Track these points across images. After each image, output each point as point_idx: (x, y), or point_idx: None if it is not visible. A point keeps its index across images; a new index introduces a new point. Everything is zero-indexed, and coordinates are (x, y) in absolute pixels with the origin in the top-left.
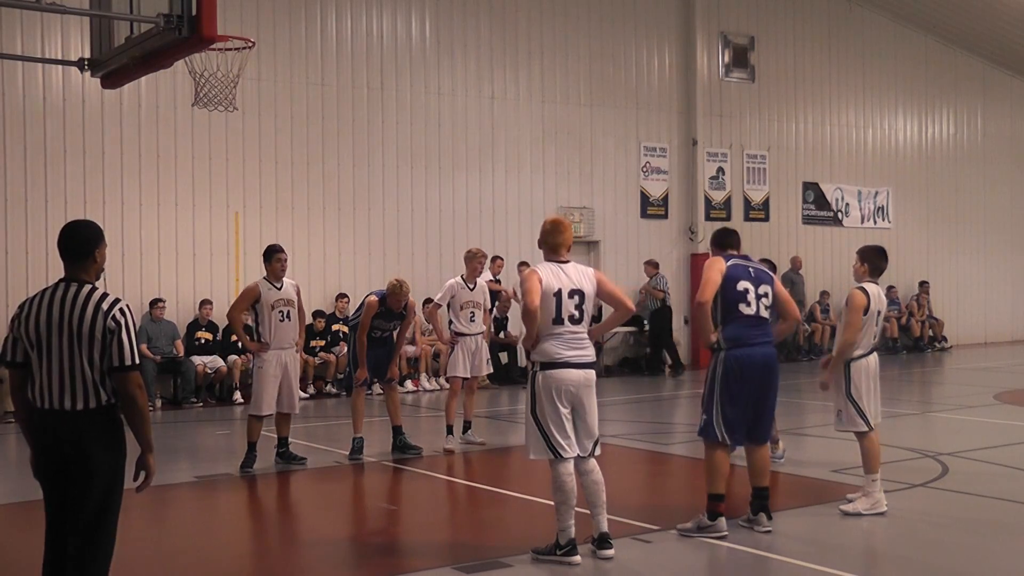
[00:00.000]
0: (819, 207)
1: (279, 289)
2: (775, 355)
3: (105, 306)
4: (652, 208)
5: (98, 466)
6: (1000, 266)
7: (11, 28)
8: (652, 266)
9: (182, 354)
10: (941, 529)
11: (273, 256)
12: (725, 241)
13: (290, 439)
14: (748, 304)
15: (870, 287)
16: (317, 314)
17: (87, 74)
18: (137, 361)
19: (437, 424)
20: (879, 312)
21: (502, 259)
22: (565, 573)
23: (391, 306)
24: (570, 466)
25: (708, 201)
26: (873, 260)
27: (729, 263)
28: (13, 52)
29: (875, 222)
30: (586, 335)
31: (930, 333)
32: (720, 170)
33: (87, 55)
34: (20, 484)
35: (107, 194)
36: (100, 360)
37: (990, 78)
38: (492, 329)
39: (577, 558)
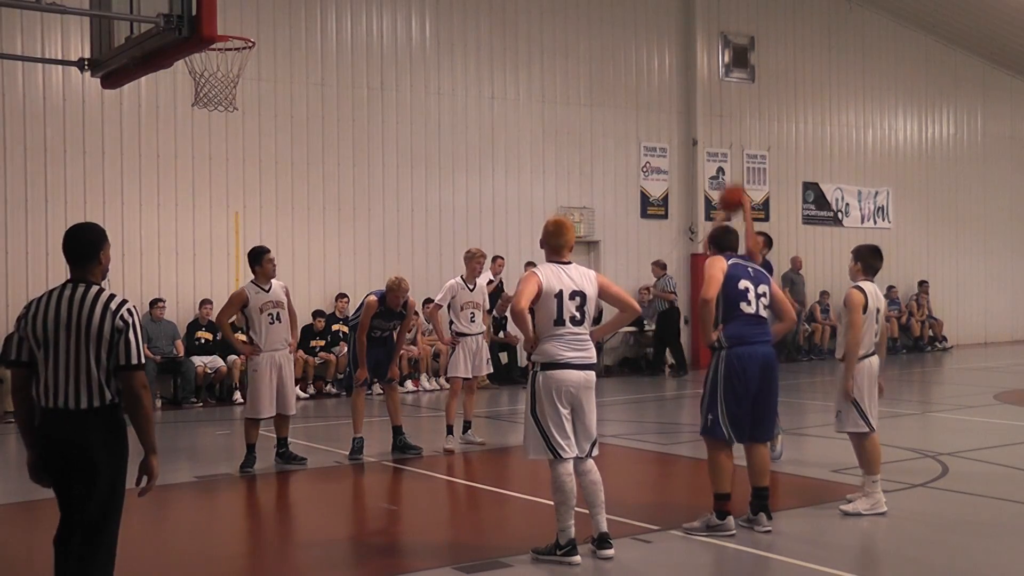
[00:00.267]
0: (819, 207)
1: (267, 292)
2: (775, 354)
3: (113, 306)
4: (652, 208)
5: (101, 465)
6: (1000, 266)
7: (11, 28)
8: (660, 267)
9: (182, 354)
10: (941, 529)
11: (263, 257)
12: (724, 242)
13: (290, 439)
14: (749, 303)
15: (866, 285)
16: (317, 314)
17: (87, 74)
18: (144, 361)
19: (437, 424)
20: (878, 310)
21: (502, 259)
22: (565, 573)
23: (390, 304)
24: (569, 466)
25: (708, 201)
26: (867, 259)
27: (730, 262)
28: (13, 52)
29: (875, 222)
30: (587, 336)
31: (930, 333)
32: (720, 170)
33: (87, 55)
34: (20, 484)
35: (107, 194)
36: (107, 359)
37: (990, 78)
38: (491, 329)
39: (577, 558)
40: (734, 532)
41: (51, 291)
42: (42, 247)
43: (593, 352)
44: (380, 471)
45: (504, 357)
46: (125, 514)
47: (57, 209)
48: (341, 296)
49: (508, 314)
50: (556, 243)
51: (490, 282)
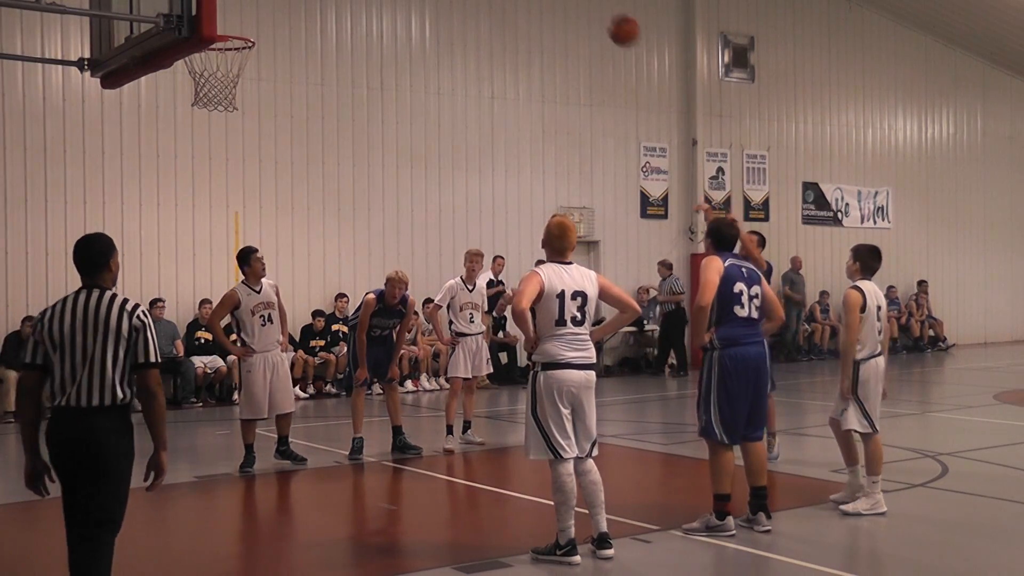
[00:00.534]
0: (819, 207)
1: (258, 293)
2: (765, 354)
3: (129, 307)
4: (652, 208)
5: (110, 462)
6: (1000, 266)
7: (11, 28)
8: (666, 267)
9: (182, 354)
10: (941, 529)
11: (251, 257)
12: (726, 238)
13: (290, 439)
14: (742, 306)
15: (865, 285)
16: (317, 314)
17: (87, 74)
18: (159, 359)
19: (437, 424)
20: (879, 307)
21: (503, 258)
22: (565, 573)
23: (388, 299)
24: (570, 466)
25: (708, 201)
26: (866, 259)
27: (727, 264)
28: (13, 52)
29: (875, 222)
30: (588, 336)
31: (930, 333)
32: (720, 170)
33: (87, 55)
34: (20, 484)
35: (107, 194)
36: (124, 357)
37: (990, 78)
38: (491, 329)
39: (577, 558)
40: (734, 532)
41: (65, 298)
42: (42, 247)
43: (593, 352)
44: (380, 471)
45: (504, 357)
46: (126, 514)
47: (57, 209)
48: (341, 296)
49: (507, 314)
50: (560, 245)
51: (491, 283)
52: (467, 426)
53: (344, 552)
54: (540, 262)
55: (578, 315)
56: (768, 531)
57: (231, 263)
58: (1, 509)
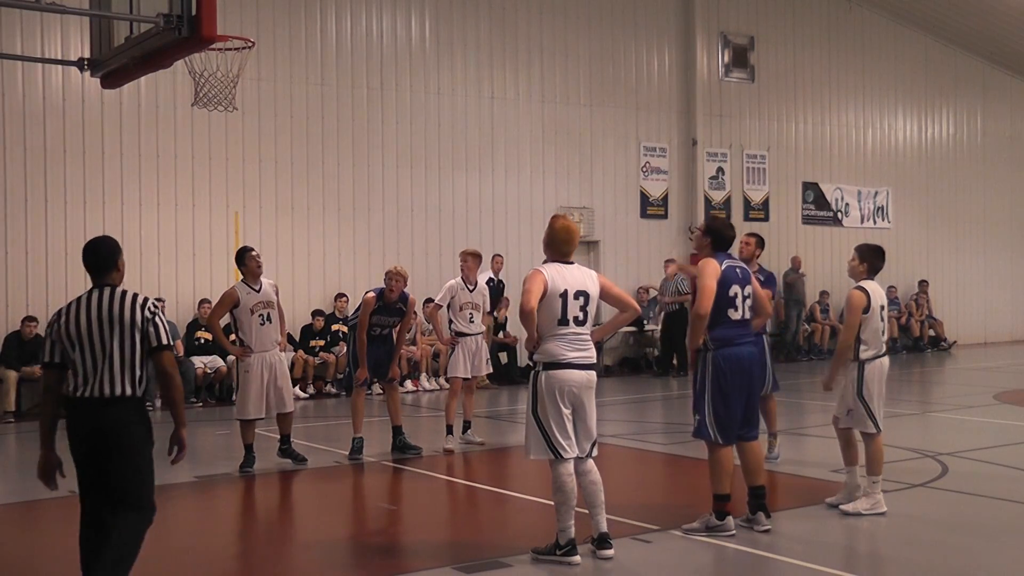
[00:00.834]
0: (819, 207)
1: (258, 291)
2: (758, 354)
3: (140, 301)
4: (652, 208)
5: (132, 446)
6: (1000, 266)
7: (11, 28)
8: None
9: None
10: (941, 529)
11: (246, 255)
12: (726, 238)
13: (291, 437)
14: (736, 309)
15: (869, 285)
16: (316, 314)
17: (87, 74)
18: (172, 343)
19: (437, 424)
20: (882, 307)
21: (501, 257)
22: (565, 573)
23: (388, 296)
24: (570, 466)
25: (708, 201)
26: (872, 259)
27: (723, 267)
28: (13, 52)
29: (875, 222)
30: (588, 336)
31: (930, 333)
32: (720, 170)
33: (87, 55)
34: (20, 484)
35: (107, 194)
36: (140, 344)
37: (990, 78)
38: (491, 330)
39: (577, 558)
40: (734, 532)
41: (79, 298)
42: (42, 247)
43: (594, 352)
44: (380, 471)
45: (504, 357)
46: None
47: (57, 209)
48: (340, 296)
49: (511, 312)
50: (566, 248)
51: (490, 282)
52: (467, 426)
53: (344, 552)
54: (547, 261)
55: (580, 315)
56: (768, 530)
57: (231, 263)
58: (1, 509)
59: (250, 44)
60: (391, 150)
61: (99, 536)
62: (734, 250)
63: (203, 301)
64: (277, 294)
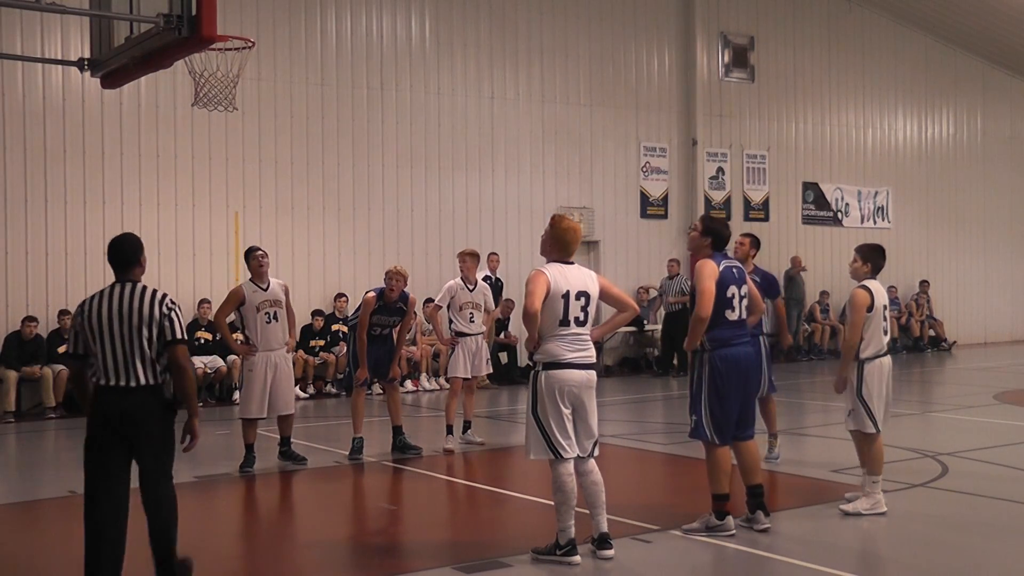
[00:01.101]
0: (819, 207)
1: (265, 290)
2: (755, 354)
3: (159, 296)
4: (652, 208)
5: (154, 431)
6: (1000, 266)
7: (11, 28)
8: (678, 264)
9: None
10: (941, 529)
11: (250, 255)
12: (723, 240)
13: (291, 438)
14: (733, 310)
15: (872, 284)
16: (316, 313)
17: (87, 74)
18: (186, 337)
19: (437, 424)
20: (885, 307)
21: (497, 255)
22: (565, 573)
23: (388, 295)
24: (570, 466)
25: (708, 201)
26: (874, 259)
27: (721, 268)
28: (13, 52)
29: (875, 222)
30: (588, 336)
31: (931, 333)
32: (720, 170)
33: (87, 55)
34: (20, 484)
35: (107, 194)
36: (157, 338)
37: (990, 78)
38: (493, 330)
39: (577, 558)
40: (734, 532)
41: (101, 291)
42: (42, 247)
43: (593, 352)
44: (380, 471)
45: (504, 357)
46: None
47: (57, 209)
48: (340, 296)
49: (513, 312)
50: (570, 249)
51: (487, 279)
52: (467, 426)
53: (344, 552)
54: (548, 262)
55: (581, 315)
56: (767, 529)
57: (231, 263)
58: (1, 509)
59: (250, 44)
60: (391, 150)
61: (117, 520)
62: (728, 251)
63: (203, 301)
64: (287, 295)
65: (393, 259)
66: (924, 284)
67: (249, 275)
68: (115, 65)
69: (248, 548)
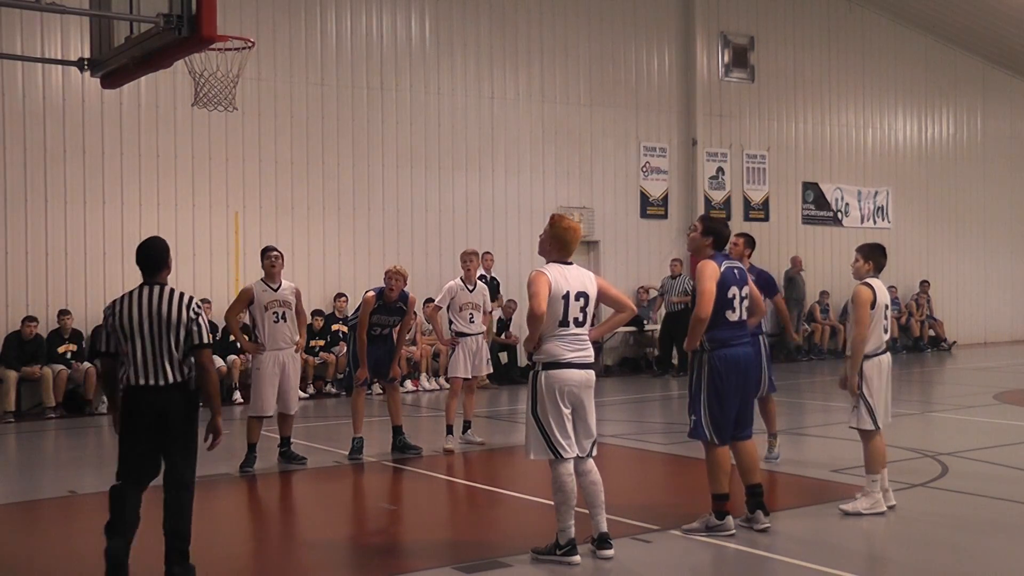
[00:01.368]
0: (819, 207)
1: (275, 291)
2: (754, 355)
3: (186, 300)
4: (652, 208)
5: (181, 427)
6: (1000, 266)
7: (11, 28)
8: (680, 264)
9: None
10: (941, 529)
11: (263, 255)
12: (723, 240)
13: (291, 439)
14: (734, 311)
15: (874, 282)
16: (316, 313)
17: (87, 74)
18: (211, 340)
19: (437, 424)
20: (886, 306)
21: (491, 254)
22: (565, 573)
23: (388, 294)
24: (570, 466)
25: (708, 201)
26: (876, 257)
27: (722, 268)
28: (13, 52)
29: (875, 222)
30: (587, 336)
31: (931, 333)
32: (720, 170)
33: (87, 55)
34: (20, 484)
35: (107, 194)
36: (184, 341)
37: (990, 78)
38: (495, 329)
39: (577, 558)
40: (734, 532)
41: (130, 292)
42: (42, 247)
43: (592, 352)
44: (380, 471)
45: (504, 357)
46: None
47: (57, 209)
48: (340, 296)
49: (515, 312)
50: (570, 248)
51: (482, 278)
52: (467, 426)
53: (344, 552)
54: (548, 262)
55: (580, 316)
56: (767, 528)
57: (231, 263)
58: (1, 509)
59: (250, 44)
60: (391, 150)
61: (137, 508)
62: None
63: (203, 301)
64: (299, 298)
65: (393, 259)
66: (924, 284)
67: (262, 274)
68: (115, 65)
69: (248, 548)
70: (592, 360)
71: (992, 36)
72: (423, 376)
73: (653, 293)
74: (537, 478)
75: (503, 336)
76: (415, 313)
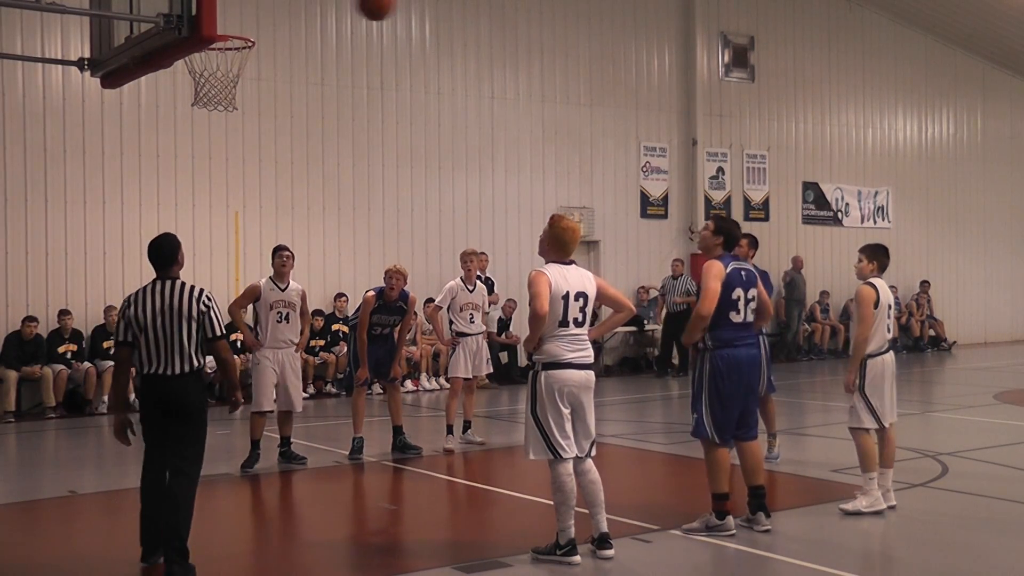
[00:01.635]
0: (819, 207)
1: (282, 291)
2: (758, 356)
3: (196, 293)
4: (652, 208)
5: (192, 414)
6: (1000, 266)
7: (11, 28)
8: (682, 264)
9: None
10: (941, 529)
11: (274, 255)
12: (735, 237)
13: (291, 439)
14: (738, 312)
15: (877, 282)
16: (316, 313)
17: (87, 74)
18: (225, 332)
19: (437, 424)
20: (889, 306)
21: (486, 254)
22: (565, 573)
23: (388, 294)
24: (570, 466)
25: (708, 201)
26: (881, 258)
27: (728, 269)
28: (13, 52)
29: (875, 222)
30: (587, 336)
31: (931, 333)
32: (720, 170)
33: (87, 55)
34: (20, 484)
35: (107, 194)
36: (196, 333)
37: (990, 78)
38: (496, 327)
39: (577, 558)
40: (734, 532)
41: (144, 287)
42: (42, 247)
43: (592, 352)
44: (380, 471)
45: (504, 357)
46: (122, 514)
47: (57, 209)
48: (340, 296)
49: (515, 312)
50: (569, 248)
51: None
52: (467, 426)
53: (344, 552)
54: (547, 262)
55: (580, 316)
56: (768, 530)
57: (231, 263)
58: (1, 509)
59: (250, 44)
60: (391, 150)
61: (162, 484)
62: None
63: None
64: (304, 300)
65: (393, 259)
66: (924, 284)
67: (271, 273)
68: (115, 65)
69: (248, 548)
70: (592, 361)
71: (992, 36)
72: (423, 376)
73: (654, 293)
74: (537, 478)
75: (503, 336)
76: (415, 313)
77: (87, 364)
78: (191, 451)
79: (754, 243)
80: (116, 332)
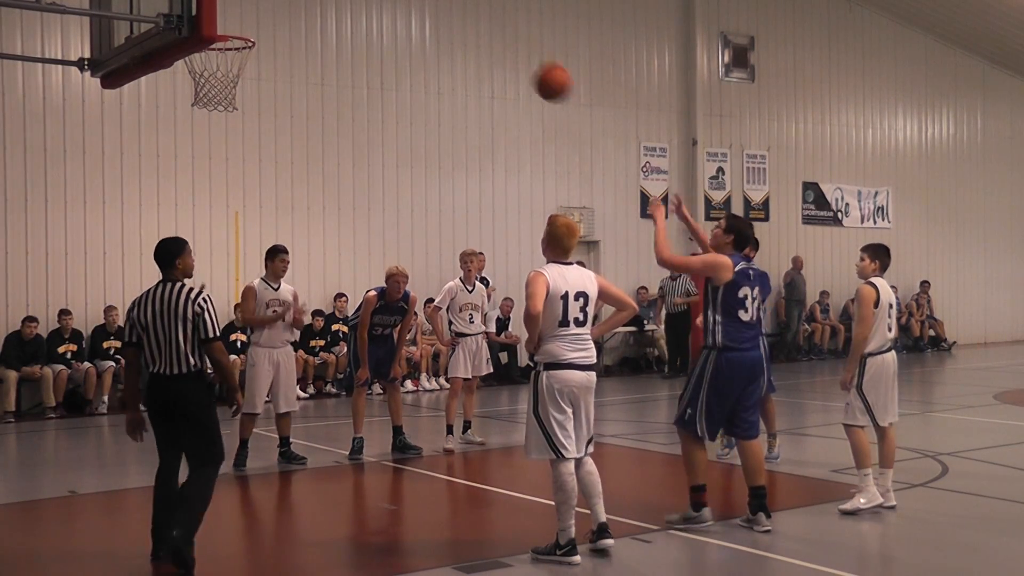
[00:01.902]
0: (819, 207)
1: (275, 290)
2: (763, 358)
3: (192, 295)
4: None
5: (197, 412)
6: (1000, 266)
7: (11, 28)
8: None
9: None
10: (941, 529)
11: (277, 256)
12: (745, 239)
13: (291, 439)
14: (746, 310)
15: (878, 281)
16: (316, 313)
17: (87, 74)
18: (219, 334)
19: (437, 424)
20: (890, 305)
21: (483, 255)
22: (565, 573)
23: (390, 296)
24: (571, 466)
25: (708, 201)
26: (883, 257)
27: (737, 268)
28: (13, 52)
29: (875, 222)
30: (589, 336)
31: (931, 333)
32: (720, 170)
33: (87, 55)
34: (20, 484)
35: (107, 194)
36: (192, 334)
37: (990, 78)
38: (496, 326)
39: (577, 558)
40: (710, 522)
41: (150, 289)
42: (42, 247)
43: (594, 352)
44: (380, 471)
45: (504, 357)
46: (122, 514)
47: (57, 209)
48: (340, 296)
49: (514, 312)
50: (568, 245)
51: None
52: (467, 426)
53: (344, 552)
54: (579, 262)
55: (580, 316)
56: (768, 531)
57: (231, 263)
58: (1, 509)
59: (250, 44)
60: (391, 150)
61: (171, 482)
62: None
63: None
64: (296, 299)
65: (393, 259)
66: (924, 284)
67: (263, 274)
68: (115, 65)
69: (248, 548)
70: (594, 361)
71: (992, 36)
72: (423, 376)
73: (653, 293)
74: (537, 478)
75: (503, 336)
76: (416, 313)
77: (87, 364)
78: (201, 450)
79: (755, 244)
80: (125, 333)
